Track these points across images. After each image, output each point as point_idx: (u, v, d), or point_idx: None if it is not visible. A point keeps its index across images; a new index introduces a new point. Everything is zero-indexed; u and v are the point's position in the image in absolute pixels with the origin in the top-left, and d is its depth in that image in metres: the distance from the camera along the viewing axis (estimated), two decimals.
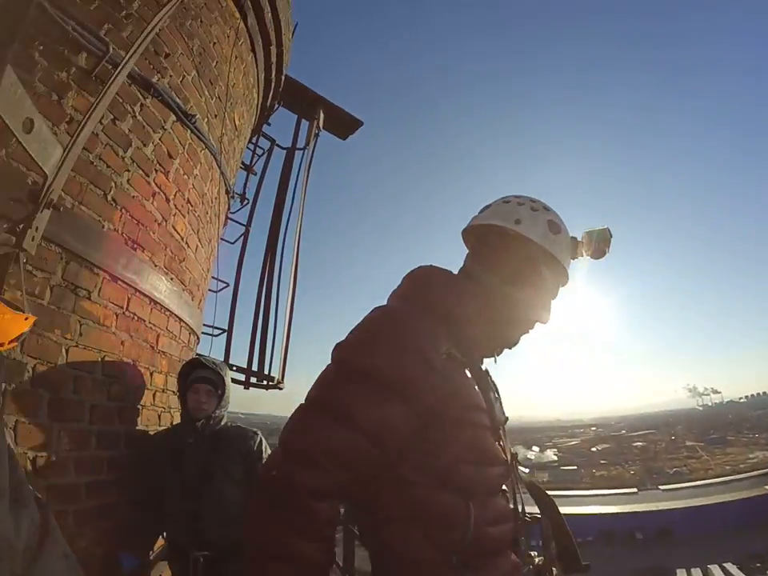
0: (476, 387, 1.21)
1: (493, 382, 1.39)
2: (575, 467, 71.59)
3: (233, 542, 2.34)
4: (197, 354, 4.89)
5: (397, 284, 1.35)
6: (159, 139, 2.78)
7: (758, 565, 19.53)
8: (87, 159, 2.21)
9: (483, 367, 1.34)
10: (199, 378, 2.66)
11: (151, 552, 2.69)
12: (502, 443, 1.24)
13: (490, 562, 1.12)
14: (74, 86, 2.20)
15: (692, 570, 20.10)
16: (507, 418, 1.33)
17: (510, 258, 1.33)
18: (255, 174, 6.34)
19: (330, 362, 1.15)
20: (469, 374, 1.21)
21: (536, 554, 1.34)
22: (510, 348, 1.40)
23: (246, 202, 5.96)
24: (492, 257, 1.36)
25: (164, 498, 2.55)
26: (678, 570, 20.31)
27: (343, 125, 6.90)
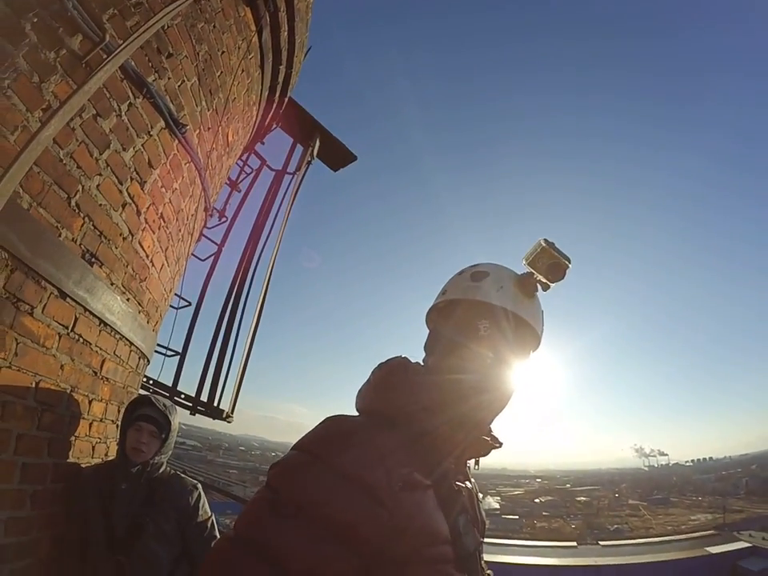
0: (440, 514, 1.02)
1: (472, 499, 1.21)
2: (517, 517, 71.75)
3: None
4: (148, 389, 4.54)
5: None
6: (142, 145, 2.52)
7: None
8: (57, 155, 1.94)
9: (459, 483, 1.15)
10: (145, 417, 2.41)
11: None
12: (469, 572, 1.05)
13: None
14: (60, 70, 1.92)
15: None
16: (482, 542, 1.15)
17: (444, 329, 1.25)
18: (239, 192, 6.12)
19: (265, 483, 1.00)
20: (434, 497, 1.03)
21: None
22: (488, 437, 1.20)
23: (224, 219, 5.70)
24: (431, 337, 1.30)
25: (89, 541, 2.31)
26: None
27: (337, 156, 6.78)
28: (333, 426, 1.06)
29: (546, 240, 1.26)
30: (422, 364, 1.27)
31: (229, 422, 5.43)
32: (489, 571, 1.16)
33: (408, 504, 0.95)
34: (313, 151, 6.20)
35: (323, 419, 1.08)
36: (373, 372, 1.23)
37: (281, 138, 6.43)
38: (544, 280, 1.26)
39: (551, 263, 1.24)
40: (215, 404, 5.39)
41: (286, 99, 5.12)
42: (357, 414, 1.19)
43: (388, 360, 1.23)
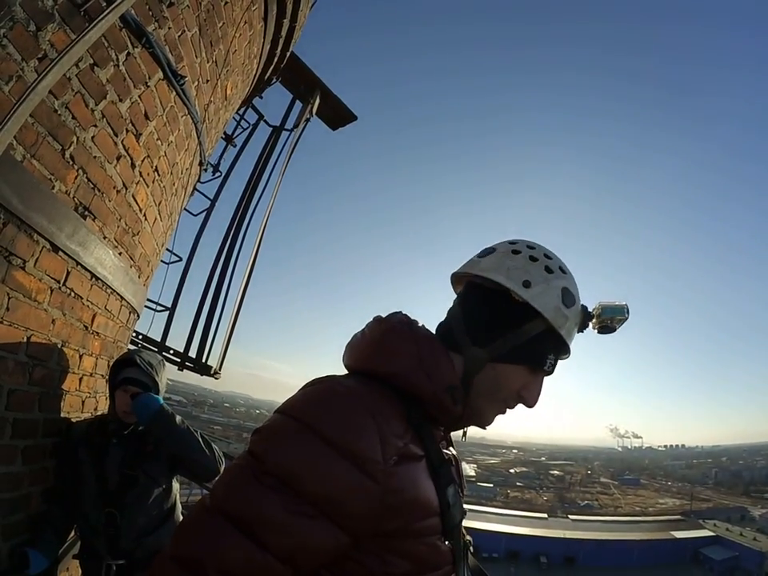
0: (431, 485, 0.98)
1: (458, 467, 1.19)
2: (492, 485, 73.85)
3: (148, 552, 2.27)
4: (137, 344, 4.51)
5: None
6: (139, 96, 2.43)
7: None
8: (51, 106, 1.85)
9: (446, 451, 1.10)
10: (131, 380, 2.36)
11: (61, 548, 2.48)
12: (453, 540, 1.03)
13: None
14: (58, 18, 1.82)
15: None
16: (465, 512, 1.12)
17: (511, 333, 1.06)
18: (234, 147, 6.01)
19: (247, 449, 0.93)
20: (426, 467, 0.98)
21: None
22: (483, 428, 1.17)
23: (218, 174, 5.62)
24: (486, 325, 1.09)
25: (81, 495, 2.35)
26: None
27: (336, 115, 6.65)
28: (322, 390, 0.97)
29: (628, 310, 1.19)
30: (426, 328, 1.15)
31: (216, 379, 5.47)
32: (468, 537, 1.15)
33: (401, 478, 0.91)
34: (312, 108, 6.05)
35: (311, 380, 1.02)
36: (370, 327, 1.13)
37: (280, 94, 6.27)
38: (592, 326, 1.20)
39: (610, 326, 1.19)
40: (203, 360, 5.42)
41: (288, 54, 4.97)
42: (345, 371, 1.13)
43: (388, 316, 1.13)
